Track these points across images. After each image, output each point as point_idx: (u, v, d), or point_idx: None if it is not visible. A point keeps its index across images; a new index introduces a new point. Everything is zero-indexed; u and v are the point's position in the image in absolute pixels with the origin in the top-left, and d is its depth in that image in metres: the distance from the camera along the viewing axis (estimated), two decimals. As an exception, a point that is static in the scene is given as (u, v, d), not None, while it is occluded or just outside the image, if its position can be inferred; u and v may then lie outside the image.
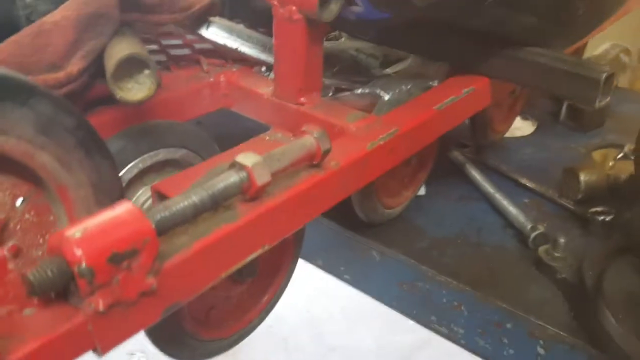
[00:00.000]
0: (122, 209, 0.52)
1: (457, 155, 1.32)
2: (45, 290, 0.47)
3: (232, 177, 0.62)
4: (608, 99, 0.90)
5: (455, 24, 0.90)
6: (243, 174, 0.62)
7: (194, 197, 0.58)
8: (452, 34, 0.96)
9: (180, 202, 0.58)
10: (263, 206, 0.64)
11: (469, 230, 1.11)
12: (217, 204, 0.61)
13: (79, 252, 0.47)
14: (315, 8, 0.79)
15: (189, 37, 1.09)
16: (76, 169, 0.64)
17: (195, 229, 0.60)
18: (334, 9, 0.82)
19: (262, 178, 0.63)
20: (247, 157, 0.63)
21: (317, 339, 1.72)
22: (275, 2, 0.84)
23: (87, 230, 0.49)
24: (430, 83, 1.01)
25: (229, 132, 1.15)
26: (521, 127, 1.56)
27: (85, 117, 0.79)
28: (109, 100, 0.85)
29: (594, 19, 1.01)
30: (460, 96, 0.93)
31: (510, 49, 0.94)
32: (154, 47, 1.05)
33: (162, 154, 0.85)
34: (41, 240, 0.66)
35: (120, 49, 0.75)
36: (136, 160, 0.82)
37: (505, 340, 0.92)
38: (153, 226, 0.53)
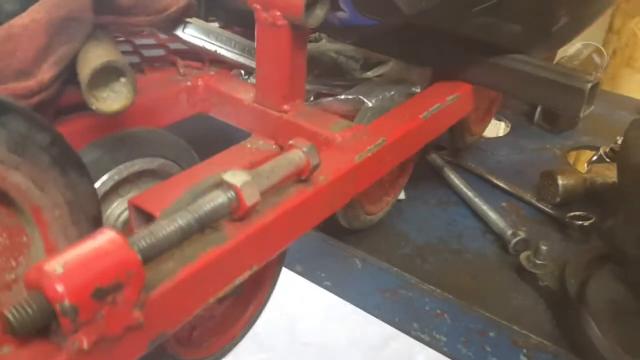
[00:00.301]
0: (104, 238, 0.49)
1: (435, 158, 1.31)
2: (26, 330, 0.44)
3: (220, 198, 0.59)
4: (592, 107, 0.90)
5: (442, 31, 0.88)
6: (232, 194, 0.59)
7: (180, 221, 0.55)
8: (436, 40, 0.94)
9: (166, 227, 0.54)
10: (252, 226, 0.61)
11: (449, 236, 1.11)
12: (204, 226, 0.58)
13: (60, 288, 0.44)
14: (301, 13, 0.77)
15: (163, 36, 1.05)
16: (51, 188, 0.60)
17: (182, 254, 0.56)
18: (320, 14, 0.79)
19: (251, 198, 0.60)
20: (235, 176, 0.60)
21: (291, 338, 1.69)
22: (258, 6, 0.80)
23: (68, 265, 0.45)
24: (414, 89, 1.00)
25: (206, 135, 1.11)
26: (496, 128, 1.57)
27: (58, 128, 0.75)
28: (81, 106, 0.80)
29: (575, 27, 1.01)
30: (445, 104, 0.92)
31: (494, 56, 0.93)
32: (126, 47, 1.00)
33: (138, 165, 0.81)
34: (14, 263, 0.62)
35: (96, 56, 0.70)
36: (111, 172, 0.78)
37: (489, 349, 0.92)
38: (139, 257, 0.49)
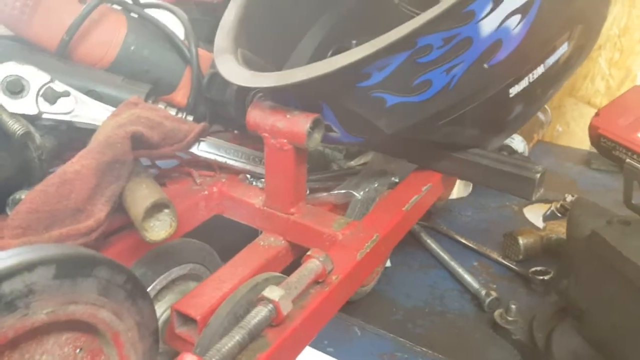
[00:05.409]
0: (188, 360, 0.64)
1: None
2: None
3: (263, 312, 0.74)
4: (542, 190, 1.10)
5: (415, 139, 1.07)
6: (271, 307, 0.75)
7: (237, 337, 0.71)
8: (409, 140, 1.13)
9: (228, 343, 0.70)
10: (287, 331, 0.77)
11: (433, 298, 1.28)
12: (253, 336, 0.73)
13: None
14: (304, 140, 0.94)
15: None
16: (126, 316, 0.74)
17: (238, 362, 0.72)
18: (317, 138, 0.97)
19: (286, 308, 0.76)
20: (272, 292, 0.76)
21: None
22: (267, 135, 0.97)
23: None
24: (393, 179, 1.18)
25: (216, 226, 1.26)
26: (459, 189, 1.77)
27: (109, 250, 0.90)
28: (122, 228, 0.95)
29: (531, 110, 1.20)
30: (421, 195, 1.10)
31: (458, 152, 1.12)
32: (145, 161, 1.14)
33: (174, 273, 0.96)
34: (94, 378, 0.75)
35: (143, 196, 0.85)
36: (155, 283, 0.93)
37: (476, 400, 1.09)
38: (215, 375, 0.65)
